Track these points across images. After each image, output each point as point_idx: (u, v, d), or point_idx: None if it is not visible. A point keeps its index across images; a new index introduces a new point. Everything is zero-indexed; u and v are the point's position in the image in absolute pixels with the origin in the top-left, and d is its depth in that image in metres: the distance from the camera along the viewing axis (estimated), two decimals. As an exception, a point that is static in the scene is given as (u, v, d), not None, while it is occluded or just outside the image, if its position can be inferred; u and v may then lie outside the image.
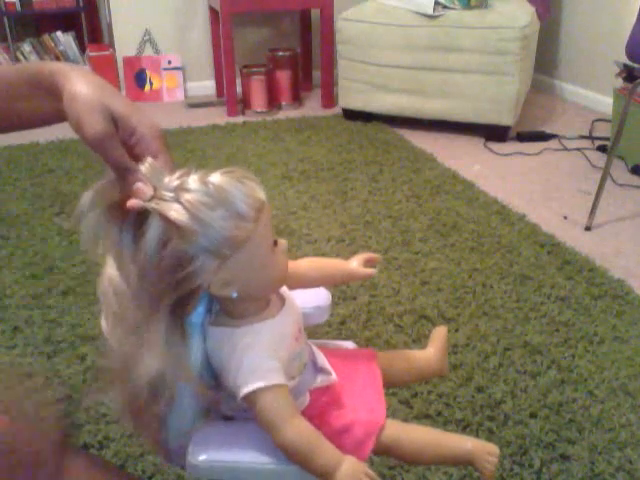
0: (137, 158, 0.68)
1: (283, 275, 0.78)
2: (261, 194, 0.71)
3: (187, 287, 0.69)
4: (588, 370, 1.58)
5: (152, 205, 0.66)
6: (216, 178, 0.68)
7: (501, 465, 1.31)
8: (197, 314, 0.75)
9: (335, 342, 1.03)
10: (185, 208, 0.66)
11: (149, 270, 0.68)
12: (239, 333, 0.75)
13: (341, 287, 1.91)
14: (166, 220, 0.66)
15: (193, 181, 0.67)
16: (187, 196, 0.66)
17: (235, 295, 0.73)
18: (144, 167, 0.67)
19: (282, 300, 0.82)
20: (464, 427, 1.41)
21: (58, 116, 0.69)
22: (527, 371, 1.58)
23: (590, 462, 1.32)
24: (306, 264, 0.91)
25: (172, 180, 0.68)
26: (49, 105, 0.70)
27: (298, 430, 0.74)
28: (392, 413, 1.37)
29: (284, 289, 0.84)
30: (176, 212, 0.65)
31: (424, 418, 1.43)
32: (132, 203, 0.66)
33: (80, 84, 0.66)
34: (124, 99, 0.68)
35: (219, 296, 0.74)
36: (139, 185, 0.66)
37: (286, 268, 0.78)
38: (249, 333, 0.75)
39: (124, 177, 0.67)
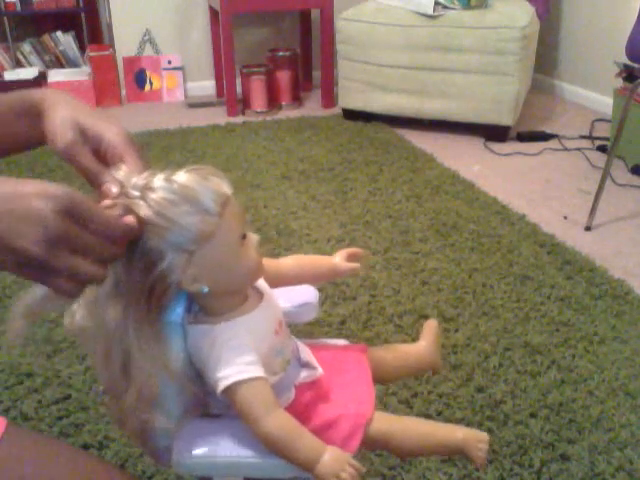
0: (109, 164, 0.72)
1: (255, 269, 0.78)
2: (226, 189, 0.72)
3: (161, 287, 0.70)
4: (588, 370, 1.58)
5: (119, 202, 0.68)
6: (180, 176, 0.70)
7: (501, 465, 1.31)
8: (176, 314, 0.76)
9: (327, 340, 1.04)
10: (150, 206, 0.67)
11: (123, 274, 0.69)
12: (217, 329, 0.76)
13: (341, 287, 1.91)
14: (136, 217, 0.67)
15: (158, 180, 0.69)
16: (152, 194, 0.68)
17: (206, 290, 0.73)
18: (116, 172, 0.69)
19: (260, 295, 0.82)
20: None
21: (43, 139, 0.76)
22: (527, 371, 1.58)
23: (590, 462, 1.32)
24: (289, 262, 0.92)
25: (139, 180, 0.69)
26: (35, 129, 0.76)
27: (278, 422, 0.74)
28: (392, 413, 1.37)
29: (263, 284, 0.84)
30: (141, 208, 0.67)
31: (424, 418, 1.43)
32: (103, 204, 0.67)
33: (58, 106, 0.74)
34: (92, 113, 0.74)
35: (192, 292, 0.75)
36: (106, 185, 0.69)
37: (258, 262, 0.78)
38: (227, 328, 0.76)
39: (95, 182, 0.70)
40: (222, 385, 0.74)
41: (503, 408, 1.46)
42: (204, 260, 0.71)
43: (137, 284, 0.69)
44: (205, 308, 0.78)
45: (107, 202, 0.67)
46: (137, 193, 0.68)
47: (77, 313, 0.73)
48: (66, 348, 1.67)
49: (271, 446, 0.75)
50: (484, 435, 0.86)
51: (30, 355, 1.66)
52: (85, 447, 1.37)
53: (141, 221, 0.67)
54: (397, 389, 1.50)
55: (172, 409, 0.79)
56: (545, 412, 1.45)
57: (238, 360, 0.74)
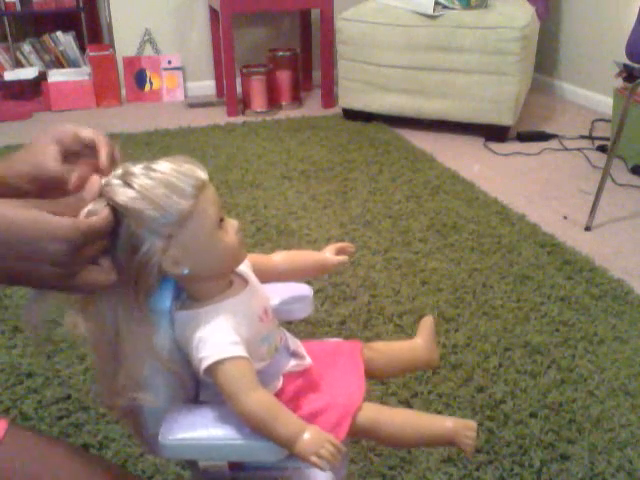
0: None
1: (234, 253, 0.80)
2: (201, 174, 0.76)
3: (145, 270, 0.73)
4: (588, 370, 1.58)
5: (103, 192, 0.73)
6: (157, 164, 0.75)
7: (501, 465, 1.31)
8: (164, 302, 0.79)
9: (322, 339, 1.05)
10: (131, 189, 0.72)
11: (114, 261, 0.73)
12: (202, 312, 0.79)
13: (341, 287, 1.91)
14: (115, 204, 0.71)
15: (137, 168, 0.74)
16: (132, 179, 0.73)
17: (187, 272, 0.76)
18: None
19: (245, 282, 0.85)
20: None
21: None
22: (527, 371, 1.58)
23: (590, 462, 1.32)
24: (279, 257, 0.95)
25: (117, 170, 0.74)
26: None
27: (257, 399, 0.76)
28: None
29: (248, 273, 0.86)
30: (123, 194, 0.71)
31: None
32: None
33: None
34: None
35: (174, 275, 0.77)
36: (92, 178, 0.74)
37: (238, 247, 0.80)
38: (211, 311, 0.79)
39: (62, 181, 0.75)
40: (204, 364, 0.76)
41: (503, 408, 1.46)
42: (183, 242, 0.74)
43: (123, 270, 0.72)
44: (191, 294, 0.81)
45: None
46: (118, 181, 0.73)
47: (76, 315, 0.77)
48: (66, 348, 1.67)
49: (252, 423, 0.76)
50: (472, 423, 0.87)
51: (30, 355, 1.66)
52: (85, 447, 1.37)
53: (120, 208, 0.71)
54: (397, 389, 1.50)
55: (160, 394, 0.80)
56: (545, 412, 1.45)
57: (220, 340, 0.77)
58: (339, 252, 0.96)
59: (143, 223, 0.72)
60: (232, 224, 0.80)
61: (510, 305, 1.84)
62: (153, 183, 0.72)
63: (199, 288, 0.80)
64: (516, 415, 1.44)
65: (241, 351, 0.77)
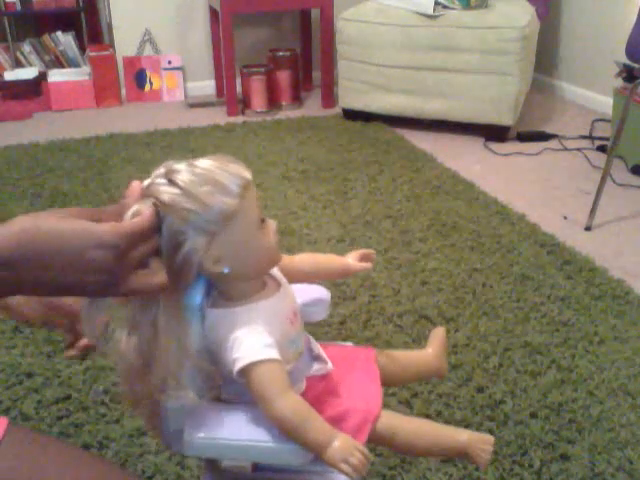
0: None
1: (273, 254, 0.80)
2: (246, 173, 0.76)
3: (187, 267, 0.73)
4: (588, 370, 1.58)
5: (147, 191, 0.72)
6: (201, 162, 0.75)
7: (501, 465, 1.31)
8: (195, 298, 0.79)
9: (334, 343, 1.05)
10: (175, 186, 0.71)
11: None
12: (235, 312, 0.78)
13: (341, 287, 1.91)
14: (159, 202, 0.70)
15: (180, 165, 0.74)
16: (176, 175, 0.72)
17: (227, 271, 0.75)
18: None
19: (278, 284, 0.84)
20: (464, 427, 1.41)
21: None
22: (527, 371, 1.58)
23: (590, 462, 1.32)
24: (302, 259, 0.95)
25: (160, 169, 0.74)
26: None
27: (290, 403, 0.76)
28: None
29: (279, 275, 0.86)
30: (167, 192, 0.71)
31: (424, 419, 1.43)
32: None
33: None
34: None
35: (213, 274, 0.77)
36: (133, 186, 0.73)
37: (276, 247, 0.80)
38: (246, 311, 0.79)
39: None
40: (239, 365, 0.76)
41: (503, 408, 1.46)
42: (226, 241, 0.74)
43: (166, 266, 0.71)
44: (225, 293, 0.80)
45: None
46: (162, 180, 0.72)
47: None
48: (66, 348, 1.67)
49: (283, 427, 0.76)
50: (489, 437, 0.88)
51: (30, 355, 1.66)
52: (85, 447, 1.37)
53: (163, 207, 0.70)
54: (397, 389, 1.50)
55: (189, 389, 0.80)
56: (545, 412, 1.45)
57: (256, 342, 0.76)
58: (362, 259, 0.96)
59: (186, 220, 0.71)
60: (271, 225, 0.79)
61: (510, 305, 1.84)
62: (197, 179, 0.72)
63: (234, 287, 0.80)
64: (516, 415, 1.44)
65: (275, 354, 0.77)
